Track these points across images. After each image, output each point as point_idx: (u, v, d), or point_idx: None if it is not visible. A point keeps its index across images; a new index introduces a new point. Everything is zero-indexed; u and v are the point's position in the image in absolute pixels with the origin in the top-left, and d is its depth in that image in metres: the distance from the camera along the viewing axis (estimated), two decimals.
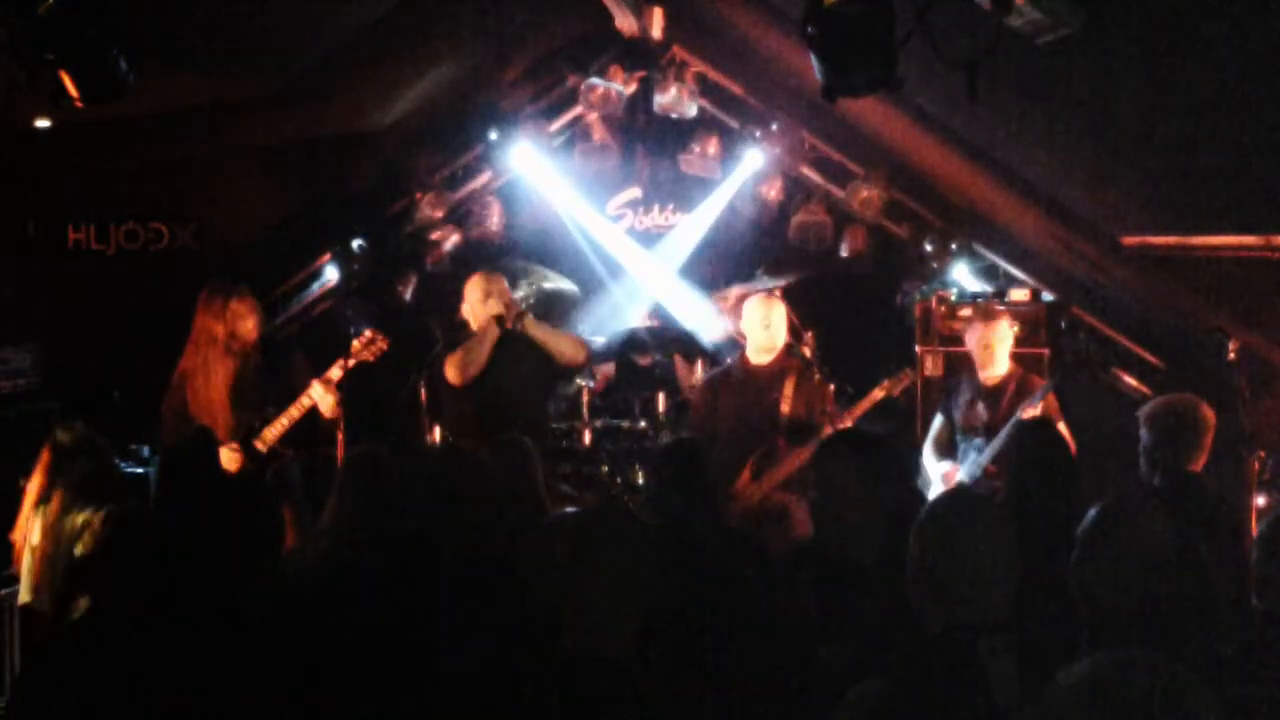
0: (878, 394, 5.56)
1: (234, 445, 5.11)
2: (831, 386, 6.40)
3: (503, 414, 5.19)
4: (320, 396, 5.13)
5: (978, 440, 5.44)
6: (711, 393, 5.63)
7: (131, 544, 2.82)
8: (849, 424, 5.52)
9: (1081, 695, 1.75)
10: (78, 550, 3.85)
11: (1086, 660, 1.79)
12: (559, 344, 5.52)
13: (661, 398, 6.62)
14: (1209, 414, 4.16)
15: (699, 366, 6.87)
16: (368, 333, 5.34)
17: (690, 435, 5.17)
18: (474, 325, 5.49)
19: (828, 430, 5.20)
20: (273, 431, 5.15)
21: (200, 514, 2.86)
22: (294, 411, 5.15)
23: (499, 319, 5.39)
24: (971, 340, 5.62)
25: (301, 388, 5.20)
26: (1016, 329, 5.71)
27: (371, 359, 5.33)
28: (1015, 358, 5.67)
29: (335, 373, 5.18)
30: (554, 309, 6.87)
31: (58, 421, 4.35)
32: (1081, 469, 4.84)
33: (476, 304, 5.46)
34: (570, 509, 4.29)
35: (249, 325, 5.21)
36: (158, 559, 2.79)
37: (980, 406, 5.51)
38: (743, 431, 5.39)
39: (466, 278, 5.69)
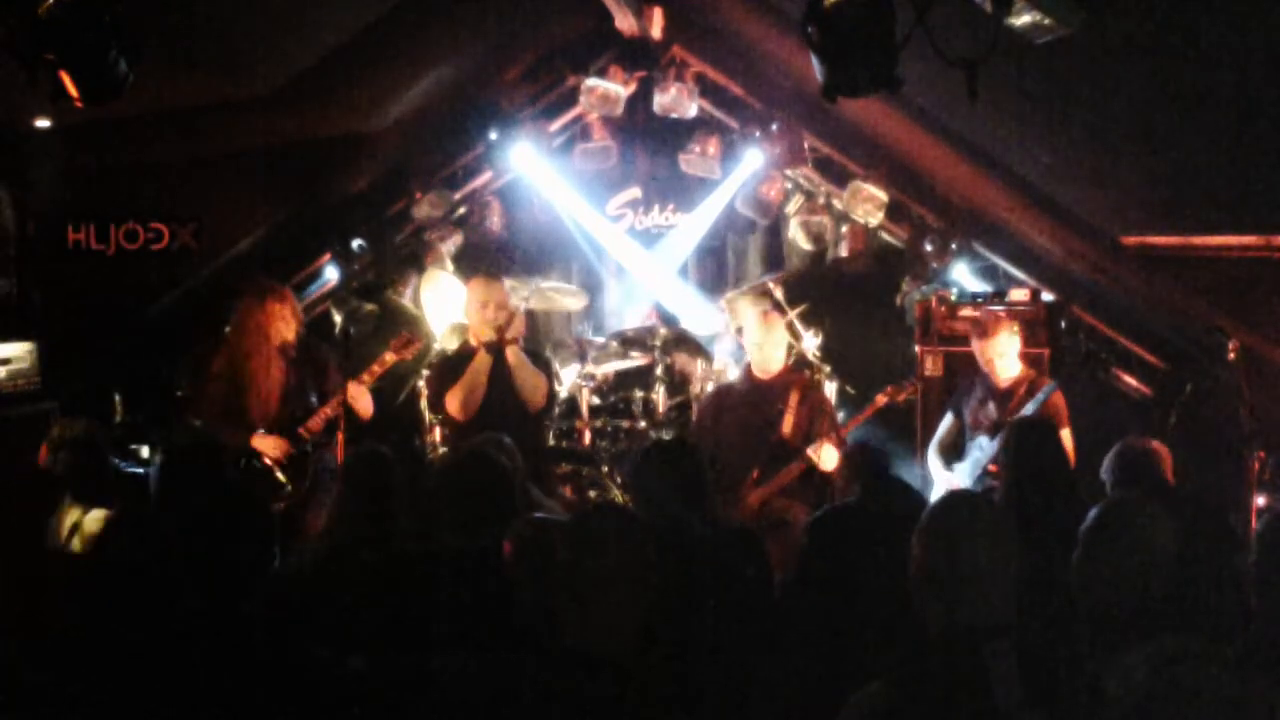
0: (881, 400, 5.60)
1: (279, 433, 5.23)
2: (834, 390, 6.43)
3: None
4: (356, 397, 5.20)
5: (983, 439, 5.45)
6: (716, 403, 5.67)
7: (129, 544, 2.82)
8: (850, 430, 5.55)
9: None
10: (75, 547, 3.85)
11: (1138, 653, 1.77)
12: (524, 379, 5.27)
13: (661, 398, 6.62)
14: (1167, 456, 4.15)
15: (699, 366, 6.87)
16: (404, 334, 5.43)
17: (679, 435, 5.18)
18: (471, 332, 5.41)
19: (828, 442, 5.23)
20: (317, 420, 5.25)
21: (200, 516, 2.86)
22: (335, 405, 5.22)
23: (489, 345, 5.23)
24: (977, 353, 5.63)
25: (335, 387, 5.30)
26: (1017, 331, 5.69)
27: (410, 358, 5.46)
28: (1022, 358, 5.67)
29: (365, 378, 5.28)
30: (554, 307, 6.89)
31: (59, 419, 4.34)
32: (1083, 470, 4.85)
33: (474, 312, 5.34)
34: (569, 509, 4.30)
35: (291, 326, 5.32)
36: (155, 560, 2.79)
37: (991, 406, 5.53)
38: (746, 441, 5.42)
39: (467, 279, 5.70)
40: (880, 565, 3.25)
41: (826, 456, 5.24)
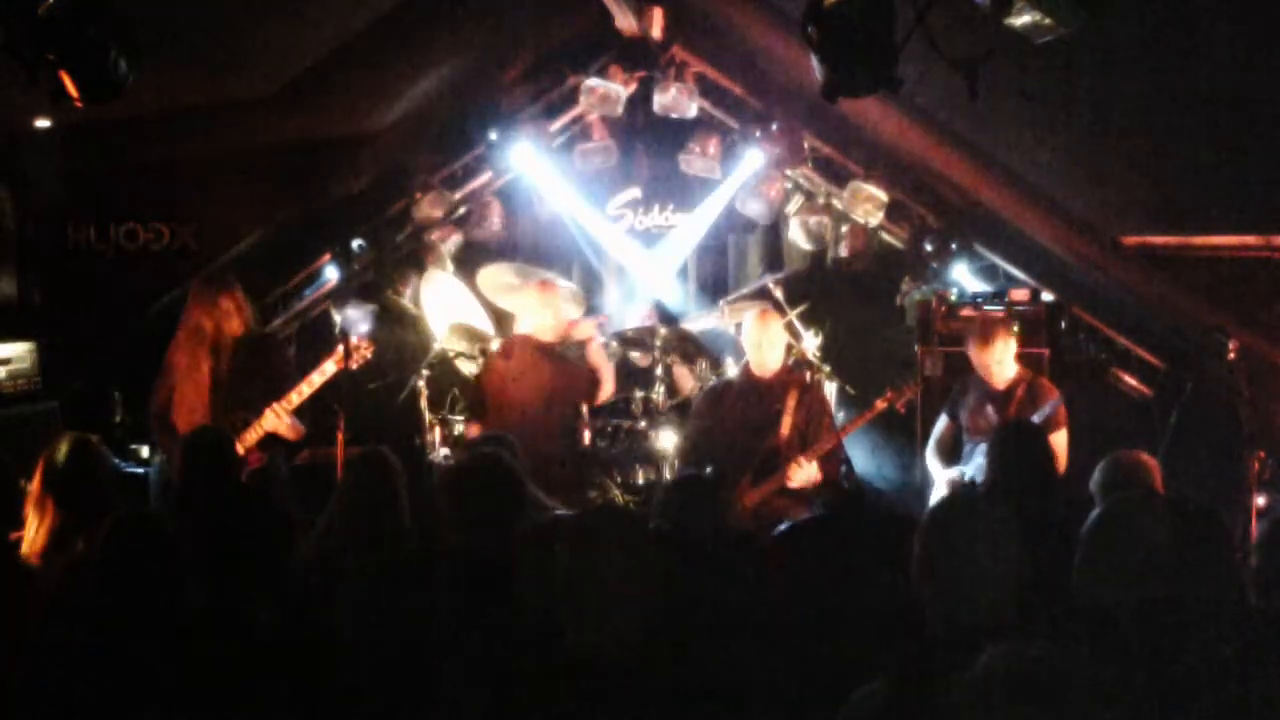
0: (880, 405, 5.58)
1: None
2: (834, 390, 6.43)
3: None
4: (273, 424, 4.97)
5: (984, 444, 5.42)
6: (714, 401, 5.66)
7: (132, 545, 2.82)
8: (850, 433, 5.55)
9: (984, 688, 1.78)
10: (80, 548, 3.83)
11: (986, 655, 1.82)
12: None
13: (661, 398, 6.62)
14: (1154, 466, 4.13)
15: (699, 367, 6.86)
16: (354, 339, 5.14)
17: (696, 469, 5.18)
18: (545, 332, 5.70)
19: (826, 442, 5.24)
20: (252, 435, 5.00)
21: (217, 514, 2.86)
22: (268, 424, 4.99)
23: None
24: (973, 358, 5.59)
25: (287, 385, 5.05)
26: (1015, 328, 5.68)
27: (354, 367, 5.10)
28: (1019, 358, 5.67)
29: (294, 398, 4.99)
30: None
31: (57, 434, 4.22)
32: (1082, 471, 4.85)
33: (557, 313, 5.74)
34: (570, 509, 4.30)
35: (235, 323, 5.08)
36: (159, 560, 2.79)
37: (989, 409, 5.49)
38: (743, 440, 5.41)
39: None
40: (870, 570, 3.25)
41: (808, 477, 5.24)
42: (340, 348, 5.07)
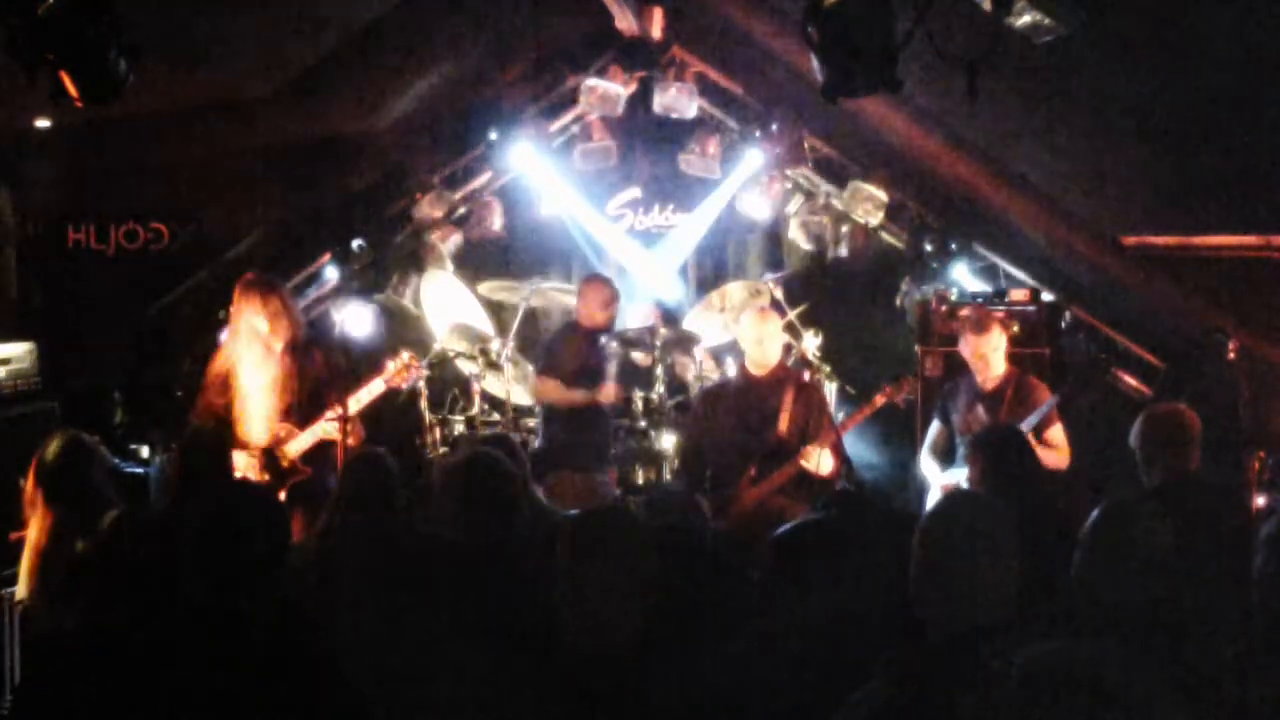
0: (879, 400, 5.58)
1: (256, 453, 4.86)
2: (834, 390, 6.43)
3: None
4: (333, 431, 4.78)
5: None
6: (711, 401, 5.66)
7: (132, 544, 2.82)
8: (849, 429, 5.55)
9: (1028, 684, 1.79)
10: (78, 547, 3.83)
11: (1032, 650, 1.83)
12: None
13: (662, 397, 6.62)
14: (1194, 419, 4.11)
15: (701, 366, 6.87)
16: (405, 355, 4.98)
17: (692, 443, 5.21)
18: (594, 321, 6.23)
19: (823, 445, 5.24)
20: (297, 446, 4.88)
21: (213, 511, 2.86)
22: (314, 434, 4.87)
23: None
24: (965, 350, 5.60)
25: (326, 388, 4.91)
26: (1015, 328, 5.69)
27: (403, 385, 5.00)
28: (1013, 358, 5.66)
29: (353, 405, 4.82)
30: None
31: (51, 433, 4.20)
32: (1082, 470, 4.85)
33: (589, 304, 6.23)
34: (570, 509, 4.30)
35: (284, 324, 4.91)
36: (159, 560, 2.79)
37: (980, 409, 5.49)
38: (742, 439, 5.41)
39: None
40: (870, 570, 3.25)
41: (822, 462, 5.22)
42: (390, 364, 4.98)
